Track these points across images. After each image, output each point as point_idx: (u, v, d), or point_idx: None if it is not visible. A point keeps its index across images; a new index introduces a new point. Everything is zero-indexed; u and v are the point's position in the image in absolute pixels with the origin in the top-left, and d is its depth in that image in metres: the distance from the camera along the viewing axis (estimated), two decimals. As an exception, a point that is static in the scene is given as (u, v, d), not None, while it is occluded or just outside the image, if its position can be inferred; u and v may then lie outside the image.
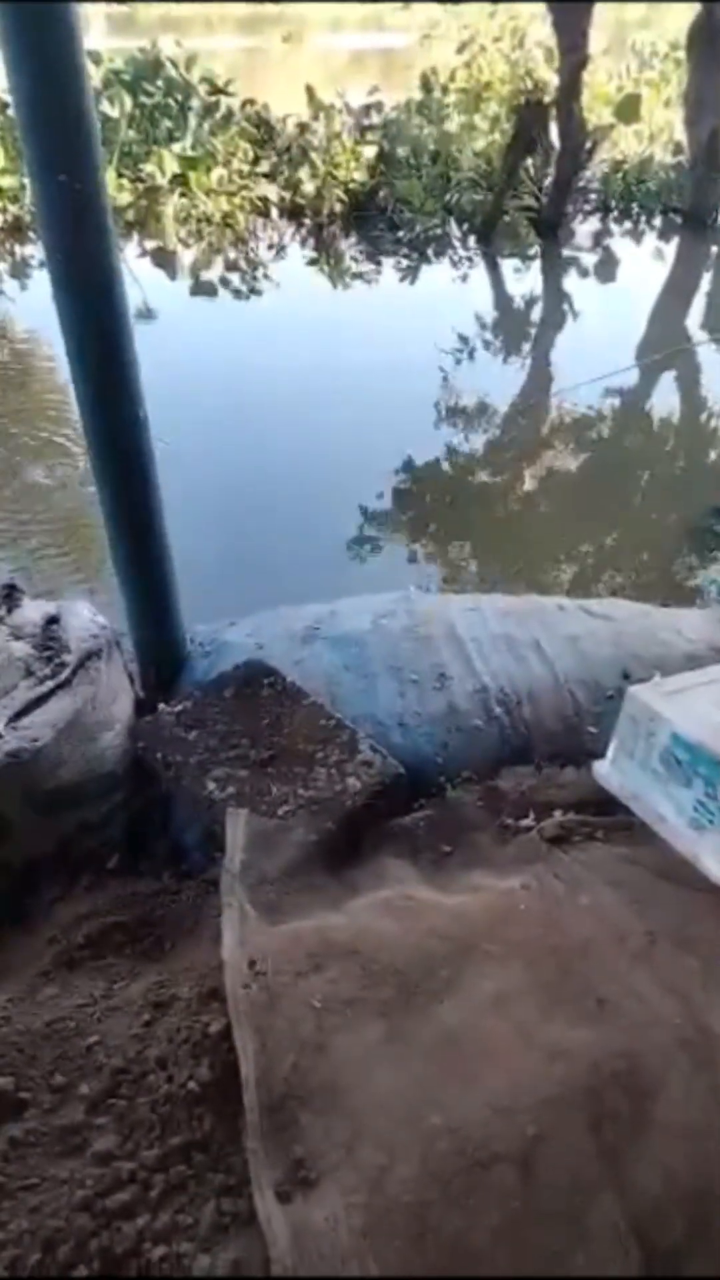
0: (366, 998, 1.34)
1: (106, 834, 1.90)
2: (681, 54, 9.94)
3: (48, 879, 1.80)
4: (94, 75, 10.07)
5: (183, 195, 9.75)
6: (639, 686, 1.74)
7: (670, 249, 9.88)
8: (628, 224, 10.51)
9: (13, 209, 9.57)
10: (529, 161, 9.45)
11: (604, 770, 1.83)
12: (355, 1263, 1.02)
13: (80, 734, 1.82)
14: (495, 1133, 1.13)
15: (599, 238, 10.11)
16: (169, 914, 1.69)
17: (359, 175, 10.20)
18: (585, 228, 10.30)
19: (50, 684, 1.84)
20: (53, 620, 2.02)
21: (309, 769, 1.83)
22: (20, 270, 9.08)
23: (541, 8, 8.93)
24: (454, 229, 10.00)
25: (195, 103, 10.25)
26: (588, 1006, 1.34)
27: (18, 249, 9.47)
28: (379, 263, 9.38)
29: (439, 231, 9.88)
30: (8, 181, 9.46)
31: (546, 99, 8.98)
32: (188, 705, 1.99)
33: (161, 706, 2.01)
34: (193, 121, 10.08)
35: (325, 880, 1.65)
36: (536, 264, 9.27)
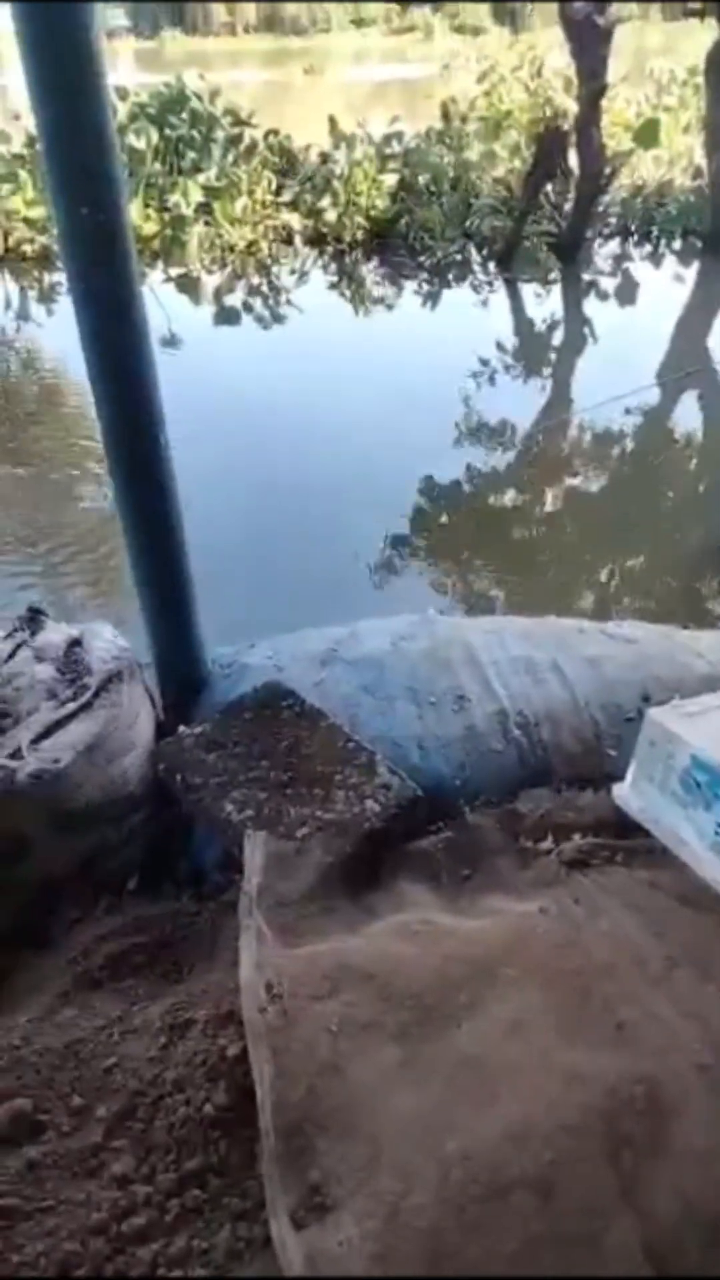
0: (384, 1021, 1.33)
1: (126, 855, 1.91)
2: (700, 80, 10.01)
3: (68, 900, 1.81)
4: (121, 110, 10.29)
5: (207, 224, 9.91)
6: (658, 709, 1.74)
7: (690, 273, 9.90)
8: (647, 248, 10.55)
9: (40, 239, 9.76)
10: (549, 187, 9.52)
11: (623, 793, 1.82)
12: (371, 1290, 1.01)
13: (101, 755, 1.84)
14: (512, 1159, 1.11)
15: (619, 261, 10.16)
16: (188, 936, 1.70)
17: (380, 203, 10.33)
18: (605, 251, 10.36)
19: (72, 706, 1.86)
20: (75, 643, 2.04)
21: (327, 791, 1.84)
22: (48, 296, 9.25)
23: (560, 36, 9.02)
24: (474, 254, 10.09)
25: (219, 134, 10.43)
26: (606, 1031, 1.33)
27: (46, 276, 9.65)
28: (400, 288, 9.47)
29: (459, 257, 9.97)
30: (36, 212, 9.66)
31: (566, 126, 9.06)
32: (207, 727, 2.00)
33: (182, 728, 2.02)
34: (217, 152, 10.25)
35: (343, 903, 1.65)
36: (557, 288, 9.32)
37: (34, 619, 2.12)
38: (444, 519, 5.13)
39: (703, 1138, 1.15)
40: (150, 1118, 1.29)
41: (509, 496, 5.38)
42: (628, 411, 6.11)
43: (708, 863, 1.62)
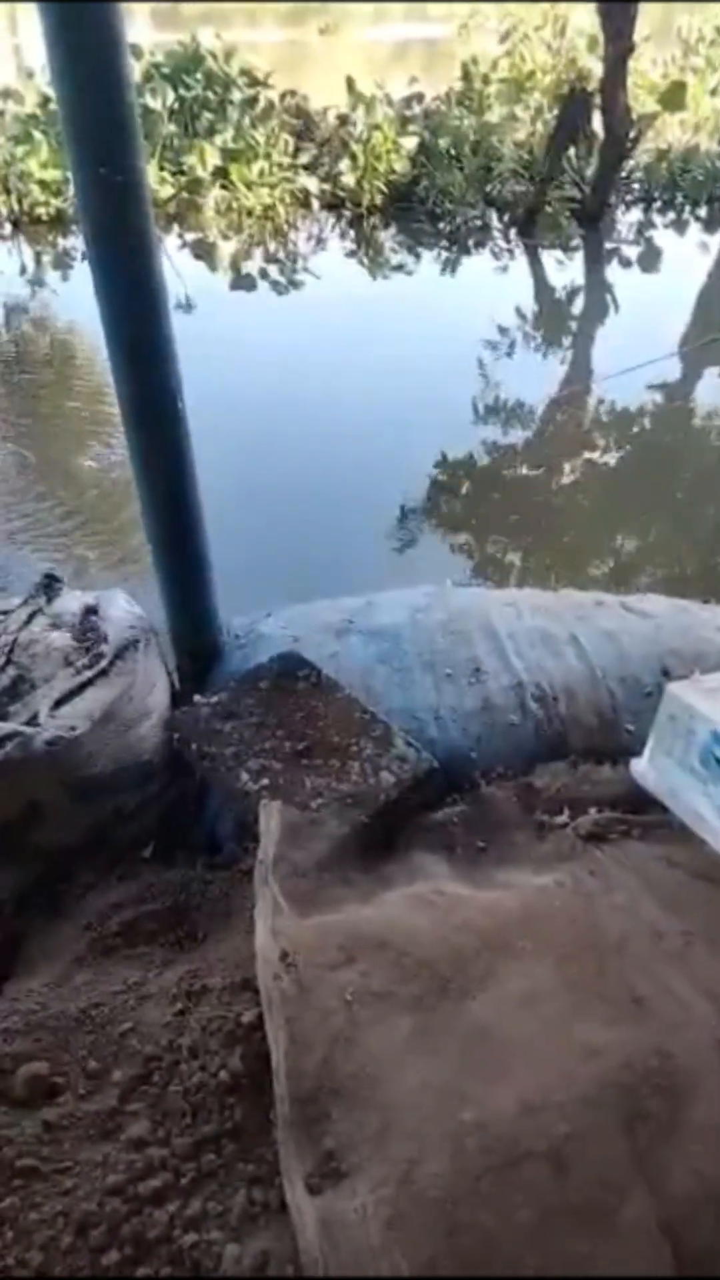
0: (398, 992, 1.34)
1: (141, 823, 1.91)
2: (729, 40, 9.78)
3: (83, 866, 1.82)
4: (136, 69, 10.13)
5: (223, 188, 9.78)
6: (678, 684, 1.72)
7: (715, 240, 9.72)
8: (671, 215, 10.36)
9: (55, 202, 9.66)
10: (572, 151, 9.34)
11: (641, 768, 1.81)
12: (384, 1256, 1.02)
13: (117, 724, 1.84)
14: (526, 1130, 1.12)
15: (642, 229, 9.98)
16: (202, 904, 1.70)
17: (399, 167, 10.15)
18: (628, 218, 10.18)
19: (88, 674, 1.86)
20: (91, 610, 2.04)
21: (343, 762, 1.83)
22: (63, 262, 9.17)
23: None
24: (495, 220, 9.92)
25: (235, 95, 10.26)
26: (622, 1005, 1.33)
27: (60, 241, 9.56)
28: (419, 254, 9.35)
29: (479, 223, 9.81)
30: (51, 175, 9.55)
31: (590, 88, 8.86)
32: (223, 697, 2.00)
33: (197, 697, 2.02)
34: (233, 114, 10.09)
35: (358, 874, 1.65)
36: (579, 255, 9.17)
37: (49, 586, 2.12)
38: (461, 490, 5.08)
39: (717, 1113, 1.15)
40: (166, 1082, 1.30)
41: (525, 469, 5.33)
42: (649, 386, 6.02)
43: (725, 839, 1.61)
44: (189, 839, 1.94)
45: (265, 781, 1.79)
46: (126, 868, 1.83)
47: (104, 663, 1.88)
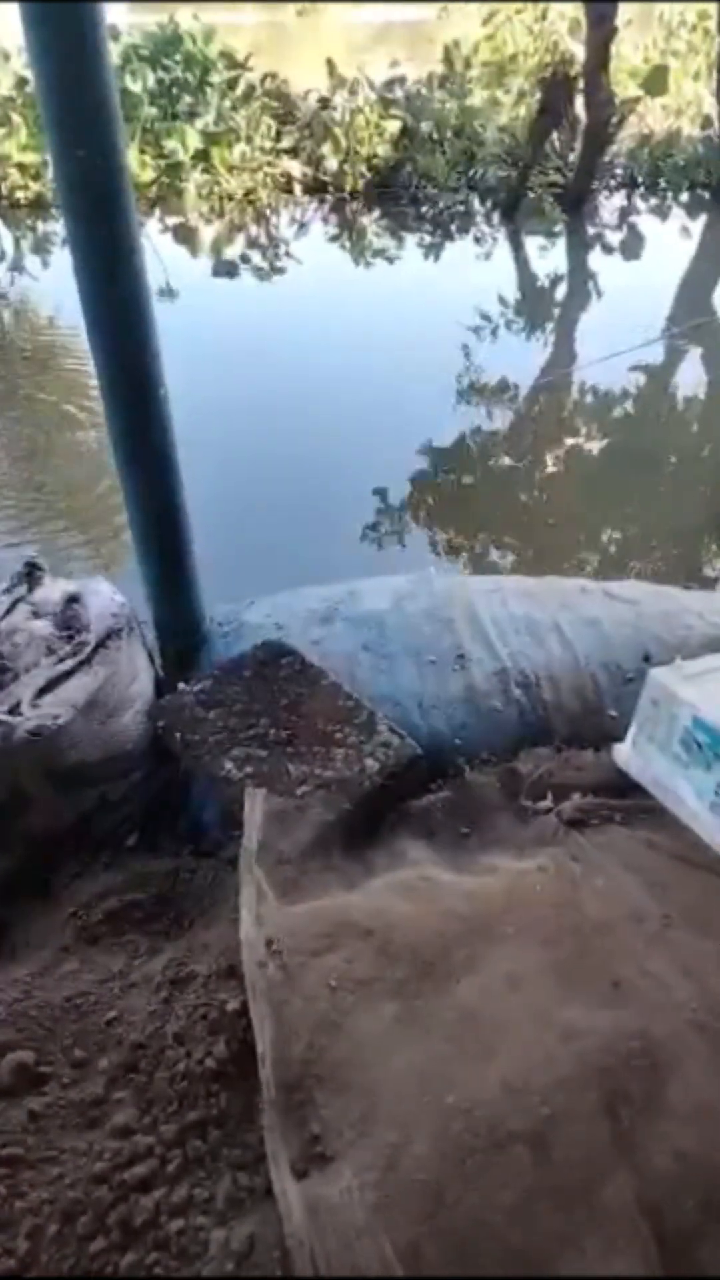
0: (382, 977, 1.34)
1: (126, 811, 1.91)
2: (711, 24, 9.76)
3: (68, 855, 1.82)
4: (114, 51, 10.00)
5: (205, 172, 9.70)
6: (660, 669, 1.73)
7: (697, 226, 9.72)
8: (654, 200, 10.35)
9: (34, 185, 9.56)
10: (554, 136, 9.31)
11: (624, 753, 1.82)
12: (369, 1238, 1.03)
13: (100, 712, 1.83)
14: (509, 1112, 1.13)
15: (625, 214, 9.97)
16: (187, 892, 1.71)
17: (382, 150, 10.10)
18: (611, 204, 10.16)
19: (71, 662, 1.85)
20: (73, 599, 2.03)
21: (327, 749, 1.83)
22: (42, 247, 9.08)
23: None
24: (478, 205, 9.89)
25: (215, 78, 10.17)
26: (603, 988, 1.34)
27: (40, 225, 9.46)
28: (402, 239, 9.31)
29: (462, 208, 9.77)
30: (30, 158, 9.44)
31: (573, 71, 8.83)
32: (207, 684, 2.00)
33: (181, 686, 2.01)
34: (214, 97, 10.00)
35: (342, 860, 1.65)
36: (561, 241, 9.16)
37: (31, 574, 2.10)
38: (443, 477, 5.08)
39: (699, 1095, 1.16)
40: (151, 1070, 1.30)
41: (508, 456, 5.33)
42: (632, 369, 6.02)
43: (706, 823, 1.63)
44: (174, 827, 1.94)
45: (249, 769, 1.79)
46: (111, 856, 1.83)
47: (86, 651, 1.87)
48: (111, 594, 2.06)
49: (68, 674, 1.83)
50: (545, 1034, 1.26)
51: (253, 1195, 1.13)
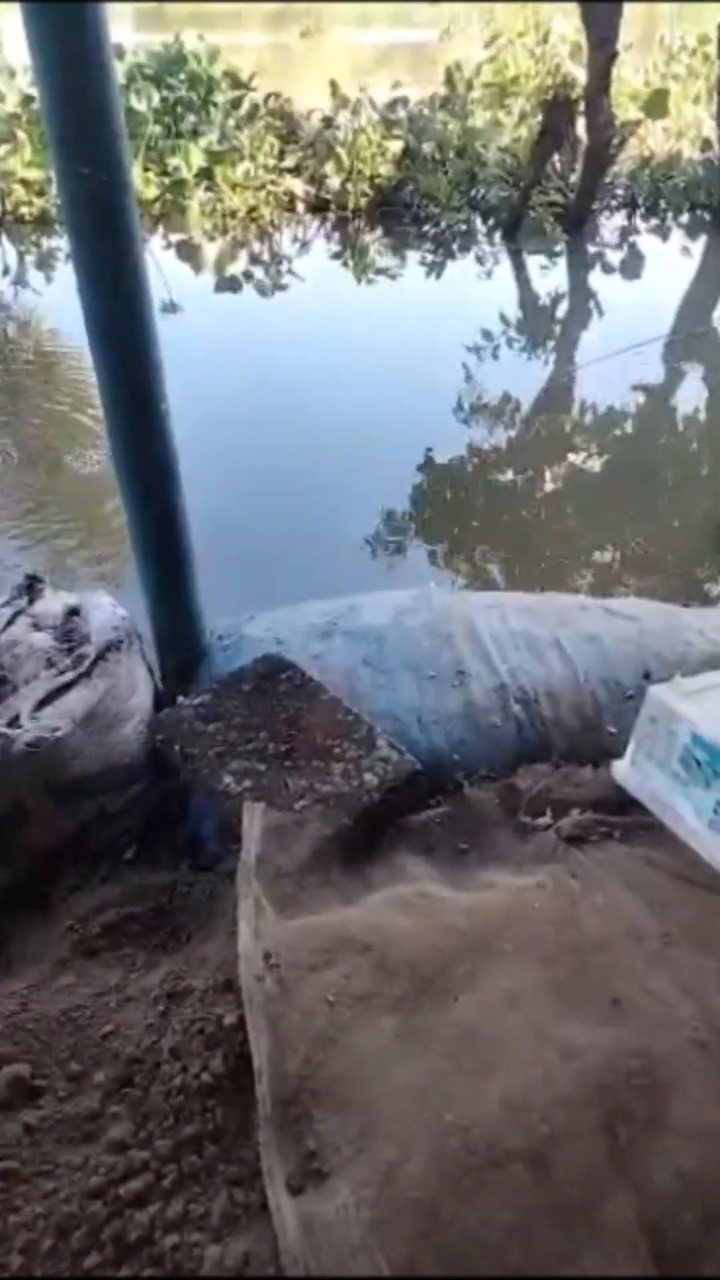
0: (380, 993, 1.34)
1: (124, 825, 1.91)
2: (711, 49, 9.86)
3: (66, 868, 1.81)
4: (119, 69, 10.11)
5: (208, 189, 9.77)
6: (659, 686, 1.73)
7: (697, 247, 9.79)
8: (654, 220, 10.43)
9: (39, 201, 9.62)
10: (556, 157, 9.39)
11: (623, 770, 1.82)
12: (365, 1256, 1.02)
13: (99, 725, 1.83)
14: (508, 1130, 1.12)
15: (625, 234, 10.04)
16: (185, 905, 1.70)
17: (384, 170, 10.18)
18: (611, 224, 10.24)
19: (70, 675, 1.85)
20: (73, 612, 2.03)
21: (326, 764, 1.83)
22: (46, 263, 9.13)
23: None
24: (479, 224, 9.96)
25: (219, 97, 10.26)
26: (602, 1006, 1.34)
27: (44, 241, 9.52)
28: (404, 258, 9.37)
29: (464, 227, 9.84)
30: (34, 174, 9.51)
31: (574, 94, 8.91)
32: (206, 698, 2.00)
33: (180, 699, 2.02)
34: (217, 116, 10.09)
35: (341, 875, 1.65)
36: (562, 260, 9.22)
37: (31, 587, 2.11)
38: (444, 494, 5.09)
39: (699, 1113, 1.16)
40: (147, 1084, 1.30)
41: (509, 473, 5.34)
42: (634, 387, 6.06)
43: (706, 840, 1.63)
44: (172, 840, 1.93)
45: (248, 783, 1.79)
46: (109, 869, 1.83)
47: (86, 664, 1.87)
48: (112, 607, 2.06)
49: (67, 687, 1.83)
50: (544, 1051, 1.25)
51: (248, 1211, 1.12)
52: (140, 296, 1.72)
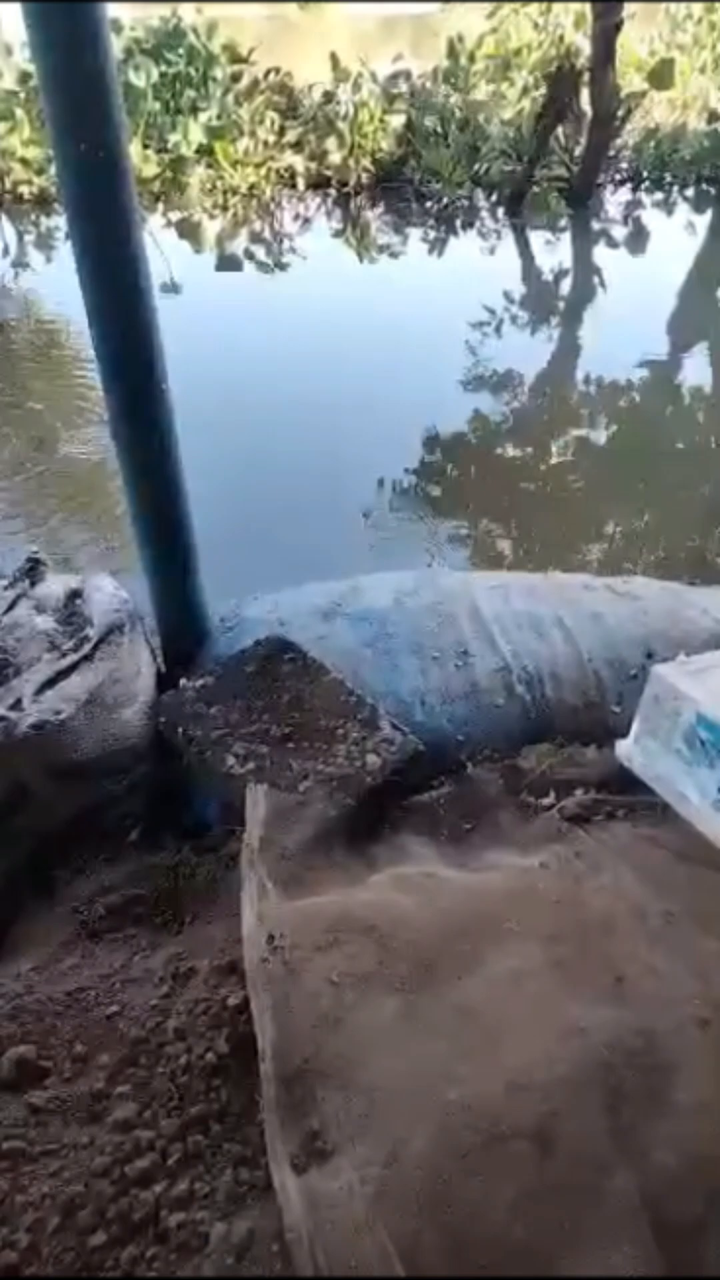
0: (384, 973, 1.34)
1: (128, 807, 1.91)
2: (718, 17, 9.71)
3: (69, 851, 1.82)
4: (116, 45, 9.98)
5: (208, 166, 9.68)
6: (663, 665, 1.72)
7: (703, 220, 9.69)
8: (659, 194, 10.31)
9: (38, 180, 9.54)
10: (559, 130, 9.27)
11: (626, 750, 1.81)
12: (368, 1233, 1.03)
13: (102, 708, 1.83)
14: (511, 1109, 1.13)
15: (630, 208, 9.93)
16: (189, 887, 1.70)
17: (386, 145, 10.08)
18: (616, 198, 10.13)
19: (73, 658, 1.85)
20: (76, 594, 2.03)
21: (329, 745, 1.83)
22: (45, 242, 9.06)
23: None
24: (482, 200, 9.86)
25: (218, 72, 10.14)
26: (605, 985, 1.34)
27: (43, 220, 9.45)
28: (406, 234, 9.29)
29: (467, 202, 9.75)
30: (33, 153, 9.43)
31: (578, 65, 8.79)
32: (209, 680, 2.00)
33: (183, 681, 2.01)
34: (217, 91, 9.98)
35: (344, 856, 1.65)
36: (566, 235, 9.13)
37: (33, 569, 2.10)
38: (447, 471, 5.07)
39: (701, 1091, 1.16)
40: (152, 1065, 1.30)
41: (513, 448, 5.32)
42: (639, 365, 6.01)
43: (709, 820, 1.62)
44: (176, 823, 1.94)
45: (251, 765, 1.79)
46: (113, 852, 1.83)
47: (88, 647, 1.87)
48: (114, 590, 2.05)
49: (70, 669, 1.83)
50: (547, 1031, 1.26)
51: (253, 1190, 1.13)
52: (139, 275, 1.70)
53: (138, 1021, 1.37)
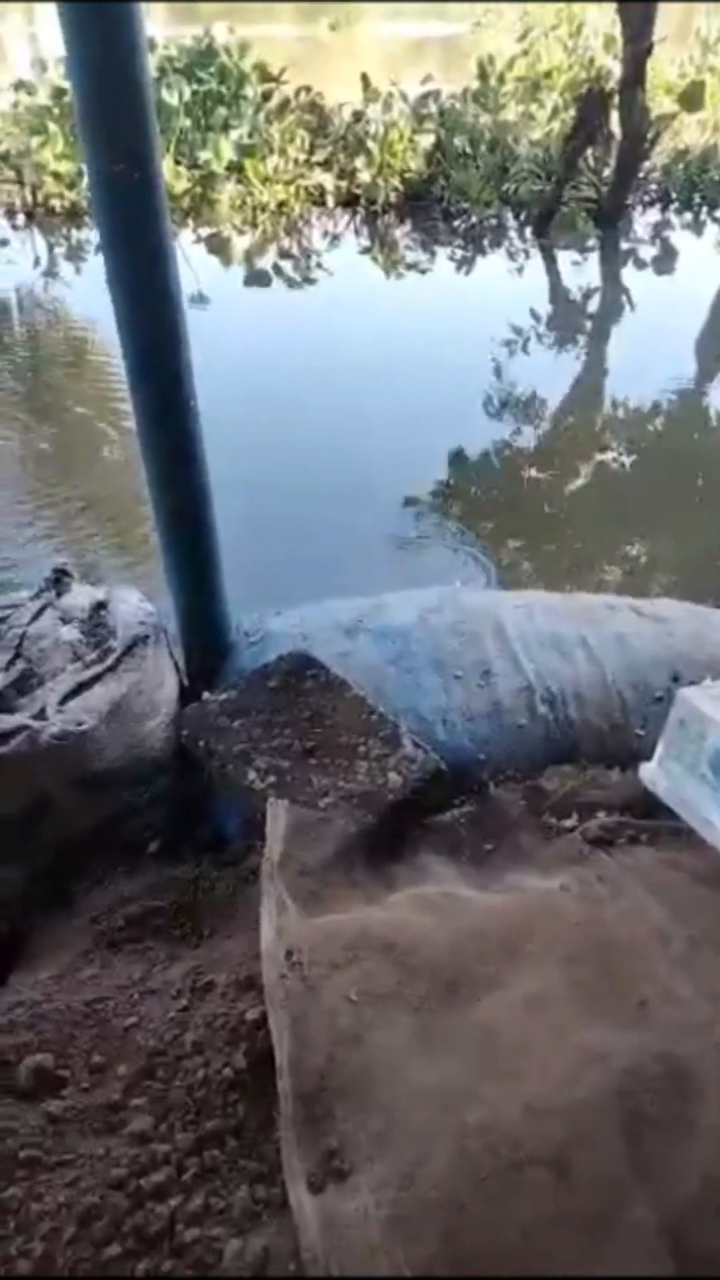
0: (403, 993, 1.34)
1: (148, 819, 1.92)
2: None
3: (90, 861, 1.83)
4: (151, 64, 10.12)
5: (238, 183, 9.77)
6: (689, 689, 1.71)
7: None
8: (689, 215, 10.31)
9: (69, 194, 9.66)
10: (589, 151, 9.30)
11: (650, 773, 1.80)
12: (384, 1255, 1.02)
13: (125, 719, 1.84)
14: (529, 1133, 1.12)
15: (659, 229, 9.94)
16: (208, 901, 1.71)
17: (415, 164, 10.13)
18: (645, 219, 10.14)
19: (97, 668, 1.86)
20: (101, 606, 2.04)
21: (351, 762, 1.83)
22: (76, 254, 9.17)
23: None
24: (510, 220, 9.90)
25: (249, 91, 10.25)
26: (627, 1010, 1.33)
27: (74, 233, 9.56)
28: (434, 253, 9.33)
29: (495, 222, 9.78)
30: (65, 166, 9.55)
31: (608, 87, 8.82)
32: (232, 694, 2.00)
33: (206, 694, 2.02)
34: (248, 110, 10.08)
35: (364, 874, 1.65)
36: (594, 256, 9.14)
37: (59, 580, 2.12)
38: (472, 491, 5.07)
39: (721, 1119, 1.15)
40: (169, 1078, 1.30)
41: (539, 468, 5.31)
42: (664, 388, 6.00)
43: (733, 845, 1.61)
44: (196, 836, 1.94)
45: (273, 779, 1.80)
46: (133, 863, 1.84)
47: (112, 658, 1.88)
48: (139, 602, 2.07)
49: (94, 680, 1.84)
50: (567, 1055, 1.25)
51: (269, 1207, 1.12)
52: (171, 292, 1.72)
53: (155, 1034, 1.37)
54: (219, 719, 1.95)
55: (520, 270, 8.99)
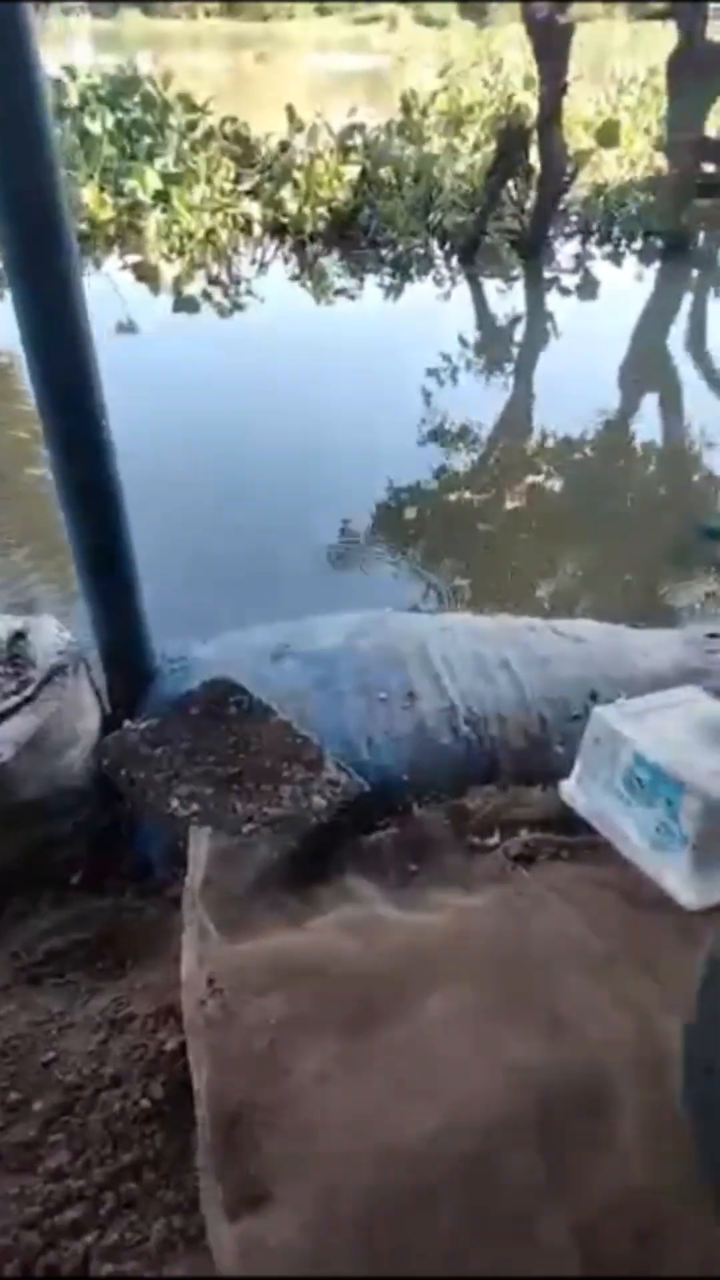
0: (325, 1016, 1.34)
1: (70, 850, 1.89)
2: (660, 80, 10.09)
3: (11, 894, 1.79)
4: (72, 91, 10.15)
5: (164, 211, 9.79)
6: (604, 707, 1.76)
7: (650, 272, 9.99)
8: (608, 247, 10.63)
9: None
10: (511, 184, 9.54)
11: (569, 790, 1.84)
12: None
13: (45, 750, 1.82)
14: (447, 1151, 1.13)
15: (580, 260, 10.22)
16: (131, 931, 1.69)
17: (342, 194, 10.27)
18: (567, 249, 10.42)
19: (15, 699, 1.84)
20: (19, 636, 2.02)
21: (275, 787, 1.83)
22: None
23: (519, 32, 9.05)
24: (436, 249, 10.08)
25: (174, 120, 10.30)
26: (546, 1024, 1.35)
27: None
28: (362, 280, 9.45)
29: (421, 251, 9.96)
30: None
31: (528, 123, 9.08)
32: (154, 722, 1.99)
33: (127, 723, 2.00)
34: (173, 139, 10.12)
35: (288, 898, 1.65)
36: (519, 284, 9.36)
37: (-23, 611, 2.09)
38: (405, 515, 5.12)
39: (638, 1130, 1.17)
40: (87, 1112, 1.29)
41: (468, 494, 5.39)
42: (594, 413, 6.15)
43: (649, 859, 1.65)
44: (119, 866, 1.92)
45: (195, 807, 1.79)
46: (55, 895, 1.81)
47: (31, 688, 1.86)
48: (58, 631, 2.05)
49: (12, 711, 1.82)
50: (486, 1071, 1.26)
51: (185, 1238, 1.11)
52: (78, 322, 1.72)
53: (74, 1068, 1.35)
54: (141, 747, 1.93)
55: (447, 297, 9.15)
